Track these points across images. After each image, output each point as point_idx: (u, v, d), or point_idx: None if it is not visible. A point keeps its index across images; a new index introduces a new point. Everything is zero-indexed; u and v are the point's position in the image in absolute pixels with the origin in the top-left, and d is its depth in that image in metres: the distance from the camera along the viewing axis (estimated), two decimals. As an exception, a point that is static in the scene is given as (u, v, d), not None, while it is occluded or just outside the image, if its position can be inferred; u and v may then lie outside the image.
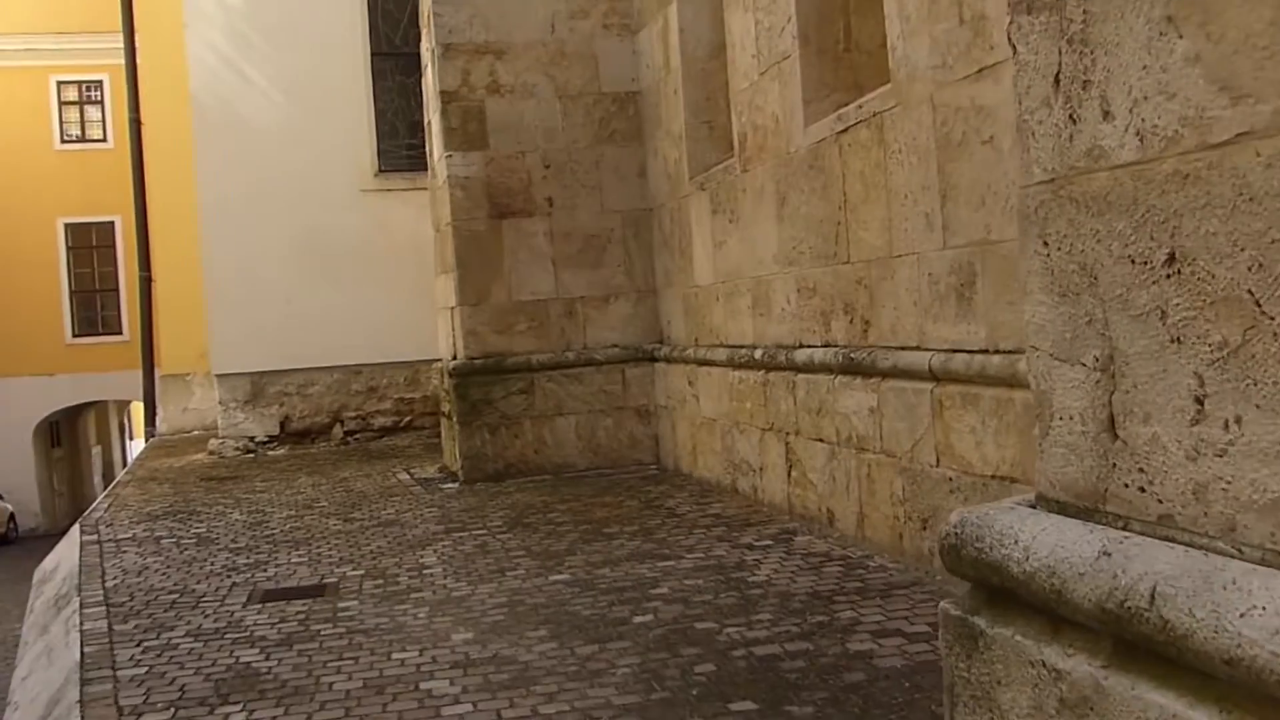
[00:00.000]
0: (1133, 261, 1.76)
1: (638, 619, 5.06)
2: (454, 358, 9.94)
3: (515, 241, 9.59)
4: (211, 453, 13.49)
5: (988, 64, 4.85)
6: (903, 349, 5.69)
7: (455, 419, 9.61)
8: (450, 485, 9.55)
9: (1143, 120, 1.73)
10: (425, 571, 6.34)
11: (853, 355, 6.12)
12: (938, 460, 5.38)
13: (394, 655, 4.82)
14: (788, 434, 7.06)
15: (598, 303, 9.73)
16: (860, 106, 5.97)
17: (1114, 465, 1.82)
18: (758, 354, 7.41)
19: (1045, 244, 1.92)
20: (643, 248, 9.77)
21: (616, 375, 9.69)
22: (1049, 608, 1.83)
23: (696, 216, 8.59)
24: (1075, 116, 1.86)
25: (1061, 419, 1.93)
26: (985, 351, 5.02)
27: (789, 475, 7.08)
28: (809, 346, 6.75)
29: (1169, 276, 1.70)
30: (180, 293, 16.14)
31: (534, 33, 9.60)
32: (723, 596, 5.31)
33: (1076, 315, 1.86)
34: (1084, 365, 1.85)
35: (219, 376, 13.92)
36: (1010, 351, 4.83)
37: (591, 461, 9.61)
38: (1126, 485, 1.80)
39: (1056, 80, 1.93)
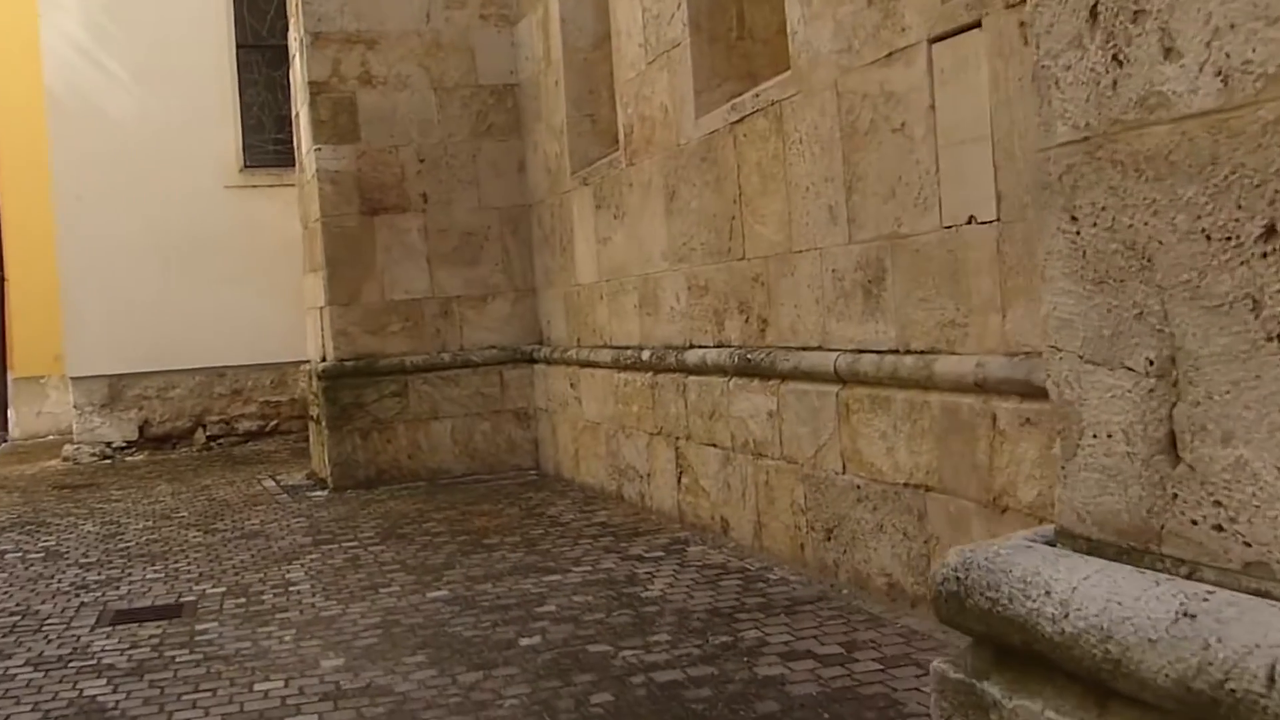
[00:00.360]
0: (1209, 237, 1.34)
1: (525, 641, 4.56)
2: (323, 359, 9.27)
3: (388, 239, 8.98)
4: (66, 459, 12.51)
5: (898, 47, 4.47)
6: (804, 349, 5.29)
7: (324, 423, 8.95)
8: (319, 493, 8.88)
9: (1227, 56, 1.31)
10: (292, 588, 5.74)
11: (749, 356, 5.71)
12: (844, 467, 4.99)
13: (256, 686, 4.25)
14: (678, 438, 6.62)
15: (475, 302, 9.18)
16: (757, 95, 5.56)
17: (1174, 496, 1.40)
18: (645, 355, 6.96)
19: (1074, 219, 1.50)
20: (522, 245, 9.25)
21: (494, 377, 9.15)
22: (1097, 678, 1.41)
23: (579, 213, 8.11)
24: (1122, 57, 1.44)
25: (1096, 437, 1.51)
26: (896, 352, 4.64)
27: (679, 482, 6.65)
28: (701, 347, 6.33)
29: (1265, 256, 1.28)
30: (35, 292, 15.01)
31: (408, 22, 9.01)
32: (616, 614, 4.83)
33: (1120, 307, 1.44)
34: (1131, 370, 1.43)
35: (74, 379, 12.93)
36: (924, 351, 4.46)
37: (469, 467, 9.05)
38: (1195, 522, 1.39)
39: (1093, 13, 1.50)
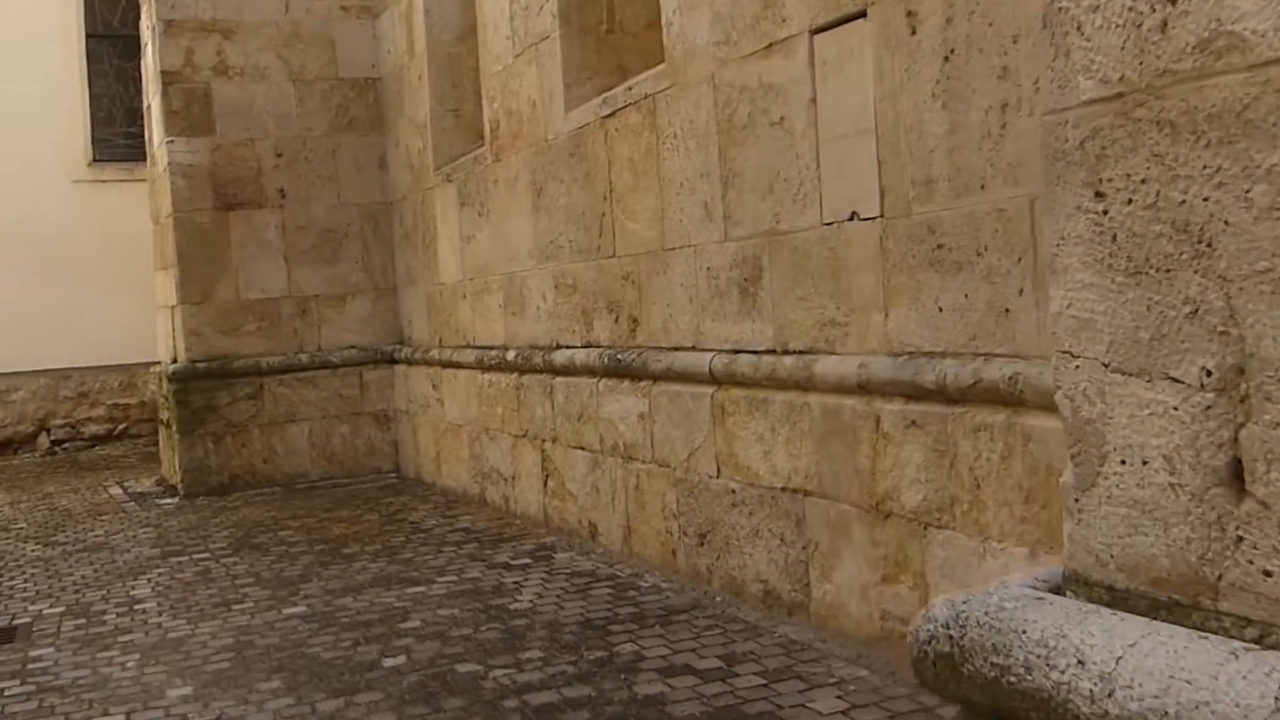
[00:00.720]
0: (1302, 215, 1.01)
1: (388, 661, 4.09)
2: (174, 361, 8.55)
3: (244, 235, 8.32)
4: (-105, 465, 11.41)
5: (779, 38, 4.14)
6: (678, 349, 4.92)
7: (175, 427, 8.24)
8: (169, 500, 8.17)
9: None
10: (137, 606, 5.14)
11: (620, 357, 5.31)
12: (719, 470, 4.64)
13: (94, 720, 3.71)
14: (545, 441, 6.19)
15: (334, 301, 8.57)
16: (630, 89, 5.17)
17: (1239, 539, 1.06)
18: (511, 355, 6.50)
19: (1099, 195, 1.15)
20: (383, 243, 8.68)
21: (354, 378, 8.57)
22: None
23: (442, 210, 7.60)
24: (1175, -9, 1.10)
25: (1126, 463, 1.16)
26: (774, 352, 4.30)
27: (545, 485, 6.21)
28: (569, 347, 5.91)
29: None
30: None
31: (266, 11, 8.36)
32: (484, 629, 4.39)
33: (1165, 303, 1.09)
34: (1178, 382, 1.09)
35: (-95, 381, 11.80)
36: (803, 351, 4.13)
37: (326, 471, 8.45)
38: (1269, 573, 1.04)
39: (1134, -69, 1.15)
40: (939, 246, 3.52)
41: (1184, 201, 1.10)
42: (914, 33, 3.54)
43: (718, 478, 4.64)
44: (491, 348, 6.88)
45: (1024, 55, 3.16)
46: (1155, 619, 1.10)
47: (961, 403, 3.42)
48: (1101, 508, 1.17)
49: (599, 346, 5.58)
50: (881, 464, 3.76)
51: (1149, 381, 1.12)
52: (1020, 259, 3.23)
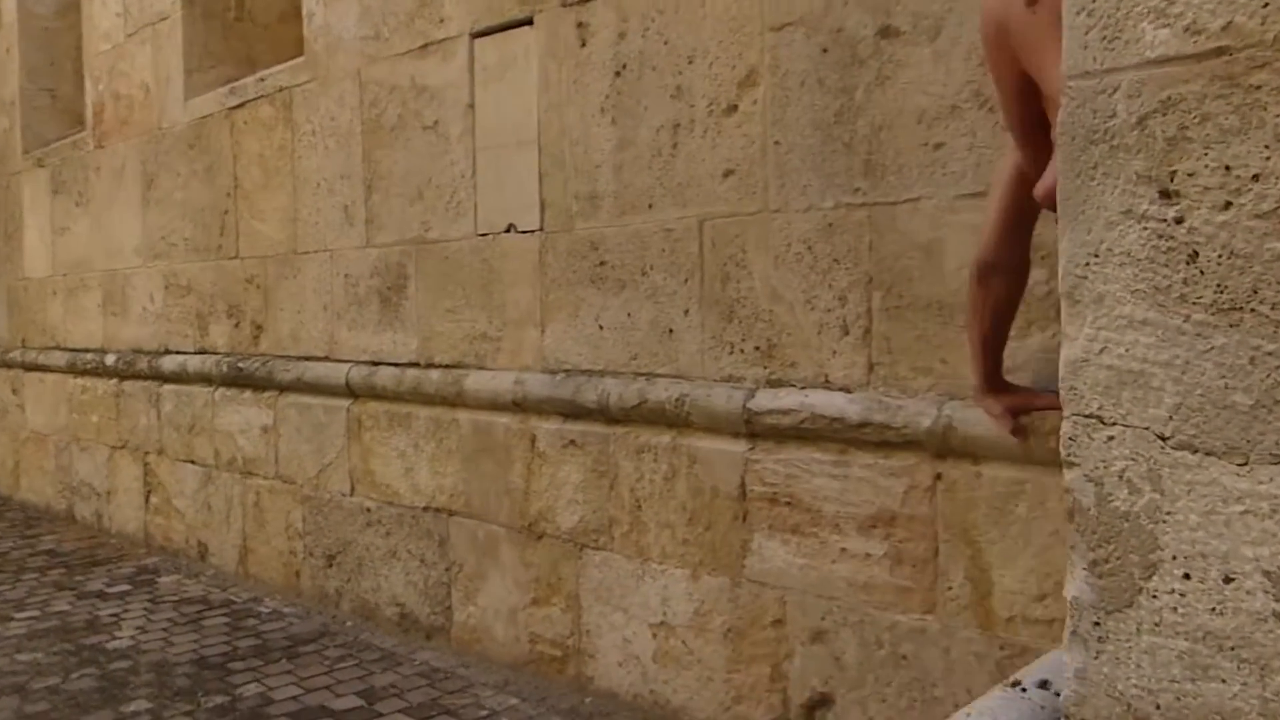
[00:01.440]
0: None
1: (-52, 721, 3.15)
2: None
3: None
4: None
5: (436, 39, 3.64)
6: (309, 359, 4.27)
7: None
8: None
9: None
10: None
11: (241, 365, 4.56)
12: (353, 488, 4.04)
13: None
14: (147, 453, 5.25)
15: (-110, 292, 6.96)
16: (263, 80, 4.45)
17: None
18: (110, 360, 5.49)
19: (1168, 195, 0.78)
20: (-45, 231, 7.17)
21: (-87, 379, 7.00)
22: None
23: (31, 197, 6.35)
24: None
25: (1193, 579, 0.76)
26: (418, 365, 3.78)
27: (147, 501, 5.27)
28: (180, 353, 5.03)
29: None
30: None
31: None
32: (76, 677, 3.52)
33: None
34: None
35: None
36: (451, 366, 3.65)
37: (-126, 483, 6.84)
38: None
39: None
40: (602, 264, 3.17)
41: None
42: (584, 45, 3.18)
43: (351, 495, 4.04)
44: (87, 350, 5.79)
45: (698, 75, 2.89)
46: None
47: (625, 423, 3.08)
48: (1143, 638, 0.80)
49: (216, 353, 4.78)
50: (536, 484, 3.35)
51: (1243, 465, 0.76)
52: (687, 280, 2.95)
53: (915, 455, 2.47)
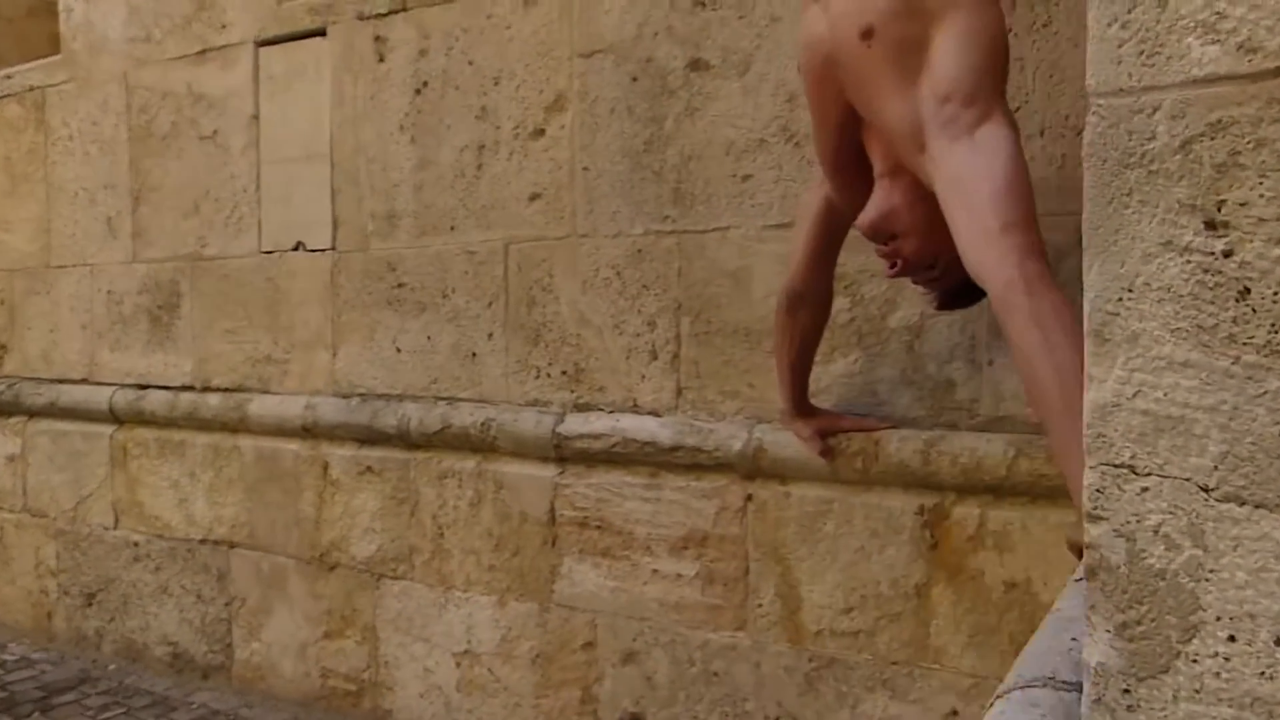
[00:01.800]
0: None
1: None
2: None
3: None
4: None
5: (216, 45, 3.36)
6: (64, 382, 3.83)
7: None
8: None
9: None
10: None
11: (-18, 388, 4.03)
12: (117, 521, 3.65)
13: None
14: None
15: None
16: (10, 77, 3.97)
17: None
18: None
19: (1214, 226, 0.70)
20: None
21: None
22: None
23: None
24: None
25: (1239, 641, 0.64)
26: (194, 388, 3.46)
27: None
28: (-95, 375, 4.40)
29: None
30: None
31: None
32: None
33: None
34: None
35: None
36: (232, 389, 3.36)
37: None
38: None
39: None
40: (400, 285, 3.00)
41: None
42: (382, 60, 3.00)
43: (115, 529, 3.65)
44: None
45: (504, 97, 2.78)
46: None
47: (426, 448, 2.93)
48: (1180, 705, 0.74)
49: (-50, 375, 4.21)
50: (329, 512, 3.13)
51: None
52: (491, 303, 2.83)
53: (726, 477, 2.46)
